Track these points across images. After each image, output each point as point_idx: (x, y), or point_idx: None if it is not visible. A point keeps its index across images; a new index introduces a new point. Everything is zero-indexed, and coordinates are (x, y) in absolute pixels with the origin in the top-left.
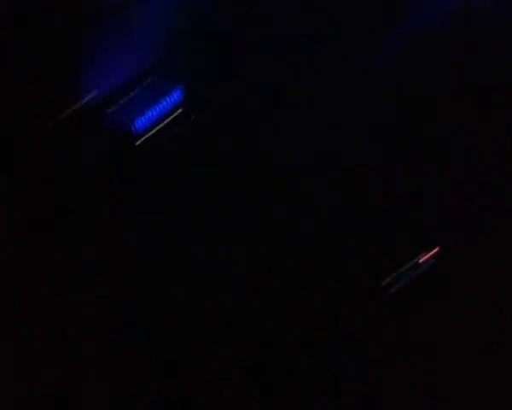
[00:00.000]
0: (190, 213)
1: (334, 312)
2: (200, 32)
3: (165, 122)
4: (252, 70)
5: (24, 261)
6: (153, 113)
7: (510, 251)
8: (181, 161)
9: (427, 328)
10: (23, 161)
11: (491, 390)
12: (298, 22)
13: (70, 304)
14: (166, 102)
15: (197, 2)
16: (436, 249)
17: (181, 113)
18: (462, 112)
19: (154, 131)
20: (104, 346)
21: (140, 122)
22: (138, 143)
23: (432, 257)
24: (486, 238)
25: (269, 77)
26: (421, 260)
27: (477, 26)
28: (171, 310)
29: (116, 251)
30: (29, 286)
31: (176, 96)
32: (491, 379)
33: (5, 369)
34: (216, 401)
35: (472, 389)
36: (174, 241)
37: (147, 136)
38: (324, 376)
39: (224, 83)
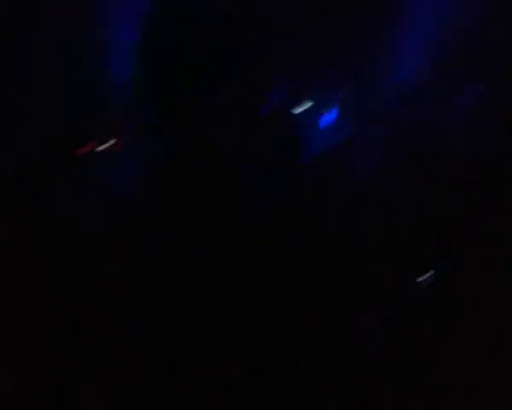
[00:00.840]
0: (190, 214)
1: (334, 312)
2: None
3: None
4: (252, 70)
5: (24, 261)
6: None
7: (510, 251)
8: (181, 162)
9: (428, 328)
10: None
11: (491, 390)
12: (298, 22)
13: (70, 304)
14: None
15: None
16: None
17: None
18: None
19: None
20: (104, 346)
21: None
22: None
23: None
24: (486, 238)
25: (269, 77)
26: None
27: (477, 28)
28: (171, 310)
29: (116, 251)
30: (29, 286)
31: None
32: (491, 379)
33: (5, 369)
34: (216, 401)
35: (472, 389)
36: (174, 241)
37: None
38: (324, 376)
39: (224, 83)
